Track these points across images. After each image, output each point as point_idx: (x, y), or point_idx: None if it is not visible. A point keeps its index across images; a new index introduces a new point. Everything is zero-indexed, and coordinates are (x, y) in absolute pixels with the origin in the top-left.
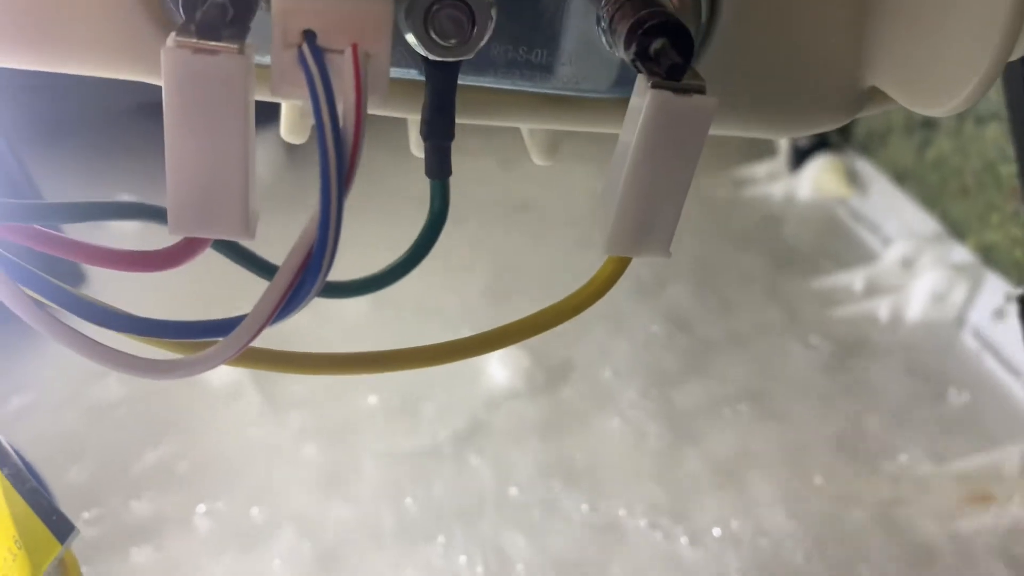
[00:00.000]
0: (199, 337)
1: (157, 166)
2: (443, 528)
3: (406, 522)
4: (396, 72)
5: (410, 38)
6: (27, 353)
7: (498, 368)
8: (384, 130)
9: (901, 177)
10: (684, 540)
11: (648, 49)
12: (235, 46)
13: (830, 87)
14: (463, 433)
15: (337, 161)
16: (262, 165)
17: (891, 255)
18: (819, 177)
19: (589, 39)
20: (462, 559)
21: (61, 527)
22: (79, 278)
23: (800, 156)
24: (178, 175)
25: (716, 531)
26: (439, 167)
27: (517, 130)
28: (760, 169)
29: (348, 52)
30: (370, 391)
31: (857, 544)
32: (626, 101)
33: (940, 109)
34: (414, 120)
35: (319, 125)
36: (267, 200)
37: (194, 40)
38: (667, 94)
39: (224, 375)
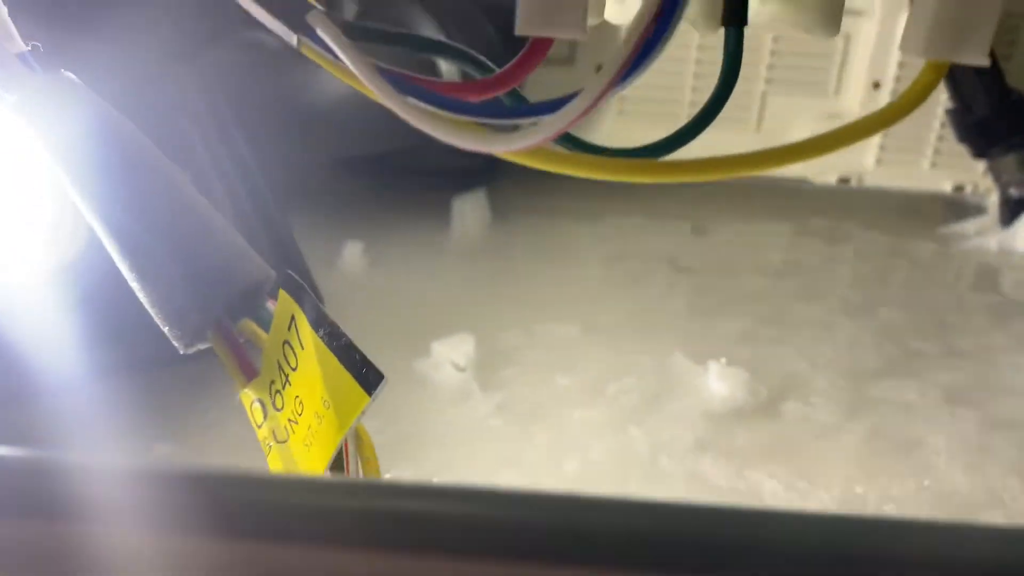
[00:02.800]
0: (536, 115)
1: (380, 214)
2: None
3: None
4: None
5: None
6: None
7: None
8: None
9: None
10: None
11: None
12: None
13: None
14: (631, 407)
15: None
16: (470, 222)
17: None
18: None
19: None
20: None
21: (370, 378)
22: None
23: (1014, 210)
24: None
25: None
26: (738, 12)
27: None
28: (969, 226)
29: None
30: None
31: None
32: None
33: None
34: None
35: None
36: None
37: None
38: None
39: (450, 376)
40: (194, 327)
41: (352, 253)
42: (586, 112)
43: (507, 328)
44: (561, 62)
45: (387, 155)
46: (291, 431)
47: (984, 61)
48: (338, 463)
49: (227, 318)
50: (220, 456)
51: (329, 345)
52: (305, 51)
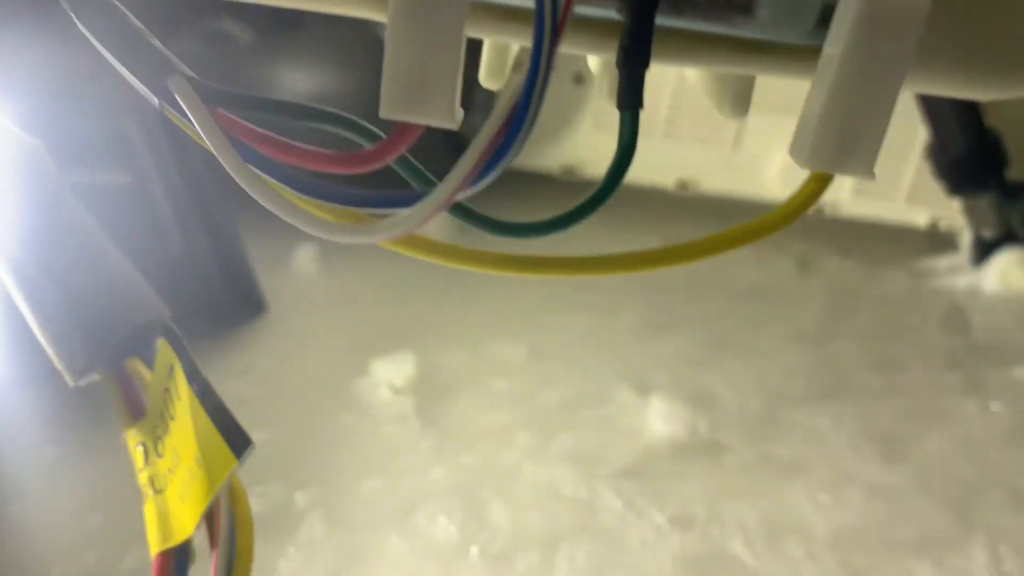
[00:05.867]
0: (396, 207)
1: None
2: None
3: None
4: (593, 10)
5: None
6: None
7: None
8: None
9: None
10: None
11: None
12: None
13: None
14: (529, 418)
15: (552, 11)
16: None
17: None
18: (1007, 271)
19: None
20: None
21: (238, 442)
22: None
23: (984, 251)
24: (395, 58)
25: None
26: (632, 97)
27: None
28: (941, 262)
29: None
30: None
31: None
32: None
33: None
34: (607, 65)
35: None
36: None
37: None
38: None
39: (384, 398)
40: (82, 363)
41: (305, 257)
42: (433, 215)
43: (453, 347)
44: None
45: None
46: (169, 482)
47: (869, 176)
48: (212, 520)
49: (116, 356)
50: (109, 460)
51: (202, 402)
52: (167, 114)
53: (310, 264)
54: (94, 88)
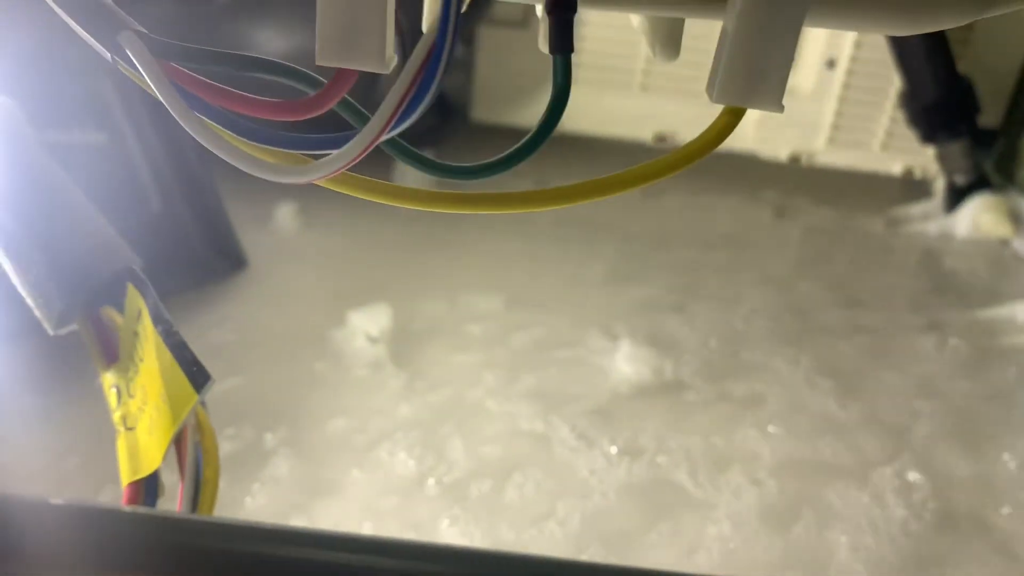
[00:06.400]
0: (325, 148)
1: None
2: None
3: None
4: None
5: None
6: None
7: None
8: None
9: None
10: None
11: None
12: None
13: None
14: (501, 360)
15: None
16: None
17: None
18: (978, 216)
19: None
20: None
21: (199, 377)
22: None
23: (957, 197)
24: (327, 6)
25: (609, 445)
26: (562, 40)
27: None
28: (915, 209)
29: None
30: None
31: None
32: None
33: None
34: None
35: None
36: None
37: None
38: None
39: (361, 348)
40: (59, 312)
41: (285, 214)
42: (361, 155)
43: (430, 298)
44: (515, 24)
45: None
46: (139, 419)
47: (777, 109)
48: (181, 453)
49: (92, 305)
50: (87, 408)
51: (165, 341)
52: (120, 68)
53: (290, 221)
54: (69, 48)
